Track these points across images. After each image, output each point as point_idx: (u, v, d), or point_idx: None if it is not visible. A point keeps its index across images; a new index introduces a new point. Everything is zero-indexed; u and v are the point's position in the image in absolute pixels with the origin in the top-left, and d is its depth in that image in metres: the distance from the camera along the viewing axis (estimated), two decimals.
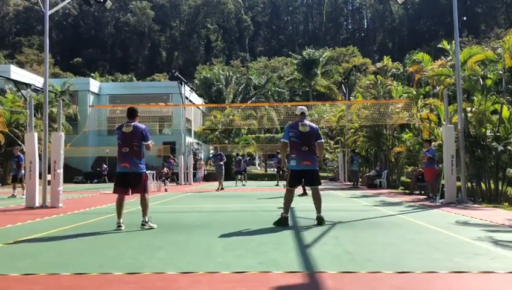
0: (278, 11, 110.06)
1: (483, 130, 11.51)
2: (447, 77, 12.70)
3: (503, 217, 7.42)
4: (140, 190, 6.39)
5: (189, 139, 34.51)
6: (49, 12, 10.93)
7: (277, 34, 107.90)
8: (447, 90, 12.04)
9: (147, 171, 6.72)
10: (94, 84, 39.81)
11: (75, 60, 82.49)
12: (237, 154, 27.40)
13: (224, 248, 4.84)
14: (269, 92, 55.98)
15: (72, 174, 32.34)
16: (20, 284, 3.47)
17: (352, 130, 23.27)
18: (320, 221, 6.56)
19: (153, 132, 29.57)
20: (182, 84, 30.36)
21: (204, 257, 4.36)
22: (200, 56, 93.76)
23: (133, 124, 6.40)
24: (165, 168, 19.00)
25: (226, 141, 36.76)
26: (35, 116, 14.37)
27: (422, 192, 13.73)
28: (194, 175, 29.68)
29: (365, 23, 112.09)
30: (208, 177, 32.16)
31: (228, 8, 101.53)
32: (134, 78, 68.83)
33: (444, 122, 11.47)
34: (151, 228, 6.30)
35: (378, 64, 26.14)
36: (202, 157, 38.03)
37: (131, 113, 6.53)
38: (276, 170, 25.09)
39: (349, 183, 23.42)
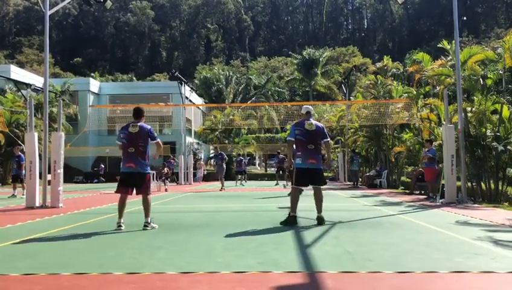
0: (278, 11, 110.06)
1: (484, 130, 11.51)
2: (447, 77, 12.69)
3: (503, 217, 7.42)
4: (144, 191, 6.40)
5: (189, 139, 34.52)
6: (49, 12, 10.93)
7: (277, 34, 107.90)
8: (447, 90, 12.04)
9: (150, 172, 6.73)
10: (94, 84, 39.81)
11: (75, 60, 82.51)
12: (238, 155, 27.43)
13: (224, 248, 4.84)
14: (269, 92, 55.98)
15: (72, 174, 32.34)
16: (20, 284, 3.47)
17: (352, 130, 23.27)
18: (320, 221, 6.56)
19: None
20: (182, 84, 30.36)
21: (204, 257, 4.36)
22: (200, 56, 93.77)
23: (139, 124, 6.40)
24: (165, 168, 18.99)
25: (226, 141, 36.75)
26: (35, 116, 14.37)
27: (422, 192, 13.73)
28: (194, 175, 29.69)
29: (365, 23, 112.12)
30: (207, 177, 32.16)
31: (228, 8, 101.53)
32: (134, 78, 68.83)
33: (444, 122, 11.47)
34: (153, 228, 6.31)
35: (378, 64, 26.20)
36: (202, 157, 38.04)
37: (138, 114, 6.53)
38: (276, 169, 25.13)
39: (349, 183, 23.42)
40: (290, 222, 6.49)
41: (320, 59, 56.50)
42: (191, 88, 38.52)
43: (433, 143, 12.76)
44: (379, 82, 20.59)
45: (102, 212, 8.95)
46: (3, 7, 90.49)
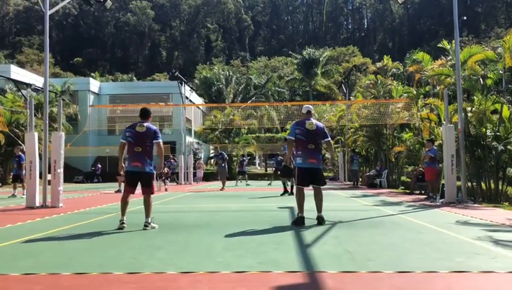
0: (278, 11, 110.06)
1: (484, 129, 11.51)
2: (447, 77, 12.69)
3: (503, 217, 7.42)
4: (149, 190, 6.42)
5: (190, 139, 34.52)
6: (49, 12, 10.93)
7: (277, 34, 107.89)
8: (447, 90, 12.04)
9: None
10: (94, 84, 39.83)
11: (75, 59, 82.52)
12: (242, 155, 27.56)
13: (224, 247, 4.84)
14: (269, 92, 55.98)
15: (72, 174, 32.39)
16: (20, 284, 3.47)
17: (352, 130, 23.27)
18: (320, 221, 6.56)
19: None
20: (182, 84, 30.38)
21: (204, 257, 4.36)
22: (200, 56, 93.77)
23: (145, 124, 6.42)
24: (165, 168, 18.98)
25: (226, 141, 36.76)
26: (35, 116, 14.36)
27: (423, 192, 13.73)
28: (194, 175, 29.71)
29: (365, 23, 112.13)
30: (206, 177, 32.17)
31: (228, 8, 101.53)
32: (134, 78, 68.89)
33: (444, 122, 11.47)
34: (153, 228, 6.31)
35: (378, 64, 26.19)
36: (202, 157, 38.05)
37: (145, 114, 6.56)
38: (274, 169, 25.27)
39: (349, 182, 23.42)
40: (299, 223, 6.46)
41: (320, 59, 56.52)
42: (191, 88, 38.54)
43: (434, 143, 12.76)
44: (379, 82, 20.59)
45: (102, 212, 8.95)
46: (3, 7, 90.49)
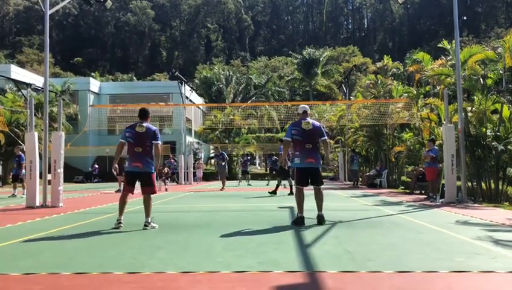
0: (278, 11, 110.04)
1: (484, 129, 11.51)
2: (447, 77, 12.69)
3: (503, 217, 7.41)
4: (150, 190, 6.43)
5: (190, 139, 34.52)
6: (49, 12, 10.93)
7: (277, 34, 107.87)
8: (447, 90, 12.04)
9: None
10: (94, 84, 39.84)
11: (75, 59, 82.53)
12: (246, 155, 27.58)
13: (224, 247, 4.84)
14: (269, 92, 55.99)
15: (73, 174, 32.42)
16: (21, 284, 3.47)
17: (352, 130, 23.27)
18: (320, 219, 6.55)
19: None
20: (182, 83, 30.38)
21: (204, 257, 4.36)
22: (200, 56, 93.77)
23: (145, 124, 6.45)
24: (165, 168, 18.98)
25: (227, 141, 36.76)
26: (35, 115, 14.37)
27: (423, 191, 13.73)
28: (194, 175, 29.73)
29: (365, 23, 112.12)
30: (206, 177, 32.17)
31: (228, 8, 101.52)
32: (134, 78, 68.89)
33: (444, 122, 11.47)
34: (153, 228, 6.32)
35: (379, 64, 26.18)
36: (202, 157, 38.05)
37: (144, 114, 6.58)
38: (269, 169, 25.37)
39: (349, 182, 23.42)
40: (299, 223, 6.47)
41: (321, 59, 56.54)
42: (191, 88, 38.53)
43: (435, 142, 12.76)
44: (379, 82, 20.59)
45: (102, 212, 8.94)
46: (4, 7, 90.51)
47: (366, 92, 22.20)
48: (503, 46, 11.35)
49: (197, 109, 40.92)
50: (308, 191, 6.68)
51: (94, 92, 38.90)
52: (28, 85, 21.68)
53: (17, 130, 23.82)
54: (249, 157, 25.13)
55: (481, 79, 11.93)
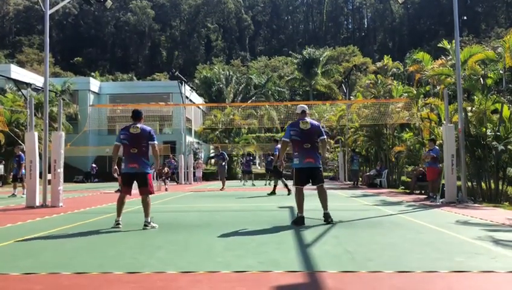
0: (278, 11, 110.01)
1: (484, 129, 11.50)
2: (447, 77, 12.69)
3: (503, 217, 7.41)
4: (147, 190, 6.44)
5: (190, 139, 34.52)
6: (49, 12, 10.93)
7: (277, 34, 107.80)
8: (447, 90, 12.03)
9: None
10: (94, 84, 39.83)
11: (75, 59, 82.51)
12: (248, 154, 27.57)
13: (224, 247, 4.84)
14: (269, 92, 56.00)
15: (73, 174, 32.42)
16: (21, 284, 3.47)
17: (352, 130, 23.27)
18: (326, 218, 6.56)
19: None
20: (182, 83, 30.38)
21: (204, 257, 4.36)
22: (200, 55, 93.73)
23: (139, 125, 6.47)
24: (165, 168, 18.98)
25: (227, 141, 36.76)
26: (35, 115, 14.37)
27: (423, 191, 13.73)
28: (194, 175, 29.74)
29: (365, 23, 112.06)
30: (206, 177, 32.17)
31: (228, 8, 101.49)
32: (134, 78, 68.92)
33: (444, 122, 11.47)
34: (153, 228, 6.32)
35: (379, 64, 26.14)
36: (202, 157, 38.04)
37: (137, 115, 6.60)
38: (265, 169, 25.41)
39: (349, 182, 23.42)
40: (298, 223, 6.46)
41: (321, 59, 56.53)
42: (191, 88, 38.55)
43: (436, 142, 12.76)
44: (379, 82, 20.59)
45: (102, 211, 8.94)
46: (4, 6, 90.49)
47: (366, 92, 22.20)
48: (503, 46, 11.34)
49: (197, 108, 40.92)
50: (309, 191, 6.67)
51: (94, 92, 38.90)
52: (28, 85, 21.69)
53: (17, 130, 23.82)
54: (251, 157, 25.10)
55: (481, 79, 11.93)
